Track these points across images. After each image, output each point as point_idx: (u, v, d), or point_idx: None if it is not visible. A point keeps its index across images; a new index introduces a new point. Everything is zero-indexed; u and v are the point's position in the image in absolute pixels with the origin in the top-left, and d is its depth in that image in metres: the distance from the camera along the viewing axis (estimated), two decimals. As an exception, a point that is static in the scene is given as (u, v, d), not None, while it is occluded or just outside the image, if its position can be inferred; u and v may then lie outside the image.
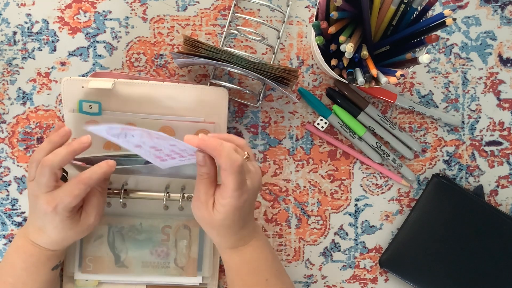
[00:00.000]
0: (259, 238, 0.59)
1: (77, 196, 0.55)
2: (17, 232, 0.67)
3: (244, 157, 0.55)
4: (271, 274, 0.59)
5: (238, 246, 0.58)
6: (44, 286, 0.60)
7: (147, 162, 0.58)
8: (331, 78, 0.70)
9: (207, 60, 0.60)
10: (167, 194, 0.66)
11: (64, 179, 0.61)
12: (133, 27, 0.69)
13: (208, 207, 0.54)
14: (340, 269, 0.70)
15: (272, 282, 0.59)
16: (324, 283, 0.70)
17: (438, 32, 0.62)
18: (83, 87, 0.63)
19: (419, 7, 0.60)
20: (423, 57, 0.55)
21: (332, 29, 0.57)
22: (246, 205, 0.55)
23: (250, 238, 0.58)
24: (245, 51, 0.70)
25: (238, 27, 0.68)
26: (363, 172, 0.70)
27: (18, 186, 0.68)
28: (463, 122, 0.71)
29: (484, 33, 0.71)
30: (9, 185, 0.68)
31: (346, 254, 0.70)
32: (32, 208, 0.58)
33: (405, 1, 0.60)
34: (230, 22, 0.70)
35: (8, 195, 0.68)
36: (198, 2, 0.70)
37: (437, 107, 0.71)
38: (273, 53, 0.69)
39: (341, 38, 0.57)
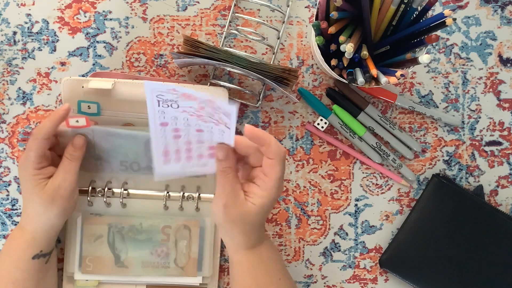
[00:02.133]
0: (269, 238, 0.60)
1: (33, 148, 0.57)
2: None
3: None
4: (283, 273, 0.60)
5: (255, 246, 0.58)
6: (27, 277, 0.59)
7: (147, 143, 0.59)
8: (331, 78, 0.70)
9: (207, 60, 0.60)
10: (167, 194, 0.66)
11: None
12: (133, 27, 0.69)
13: (239, 201, 0.54)
14: (340, 269, 0.70)
15: (284, 282, 0.59)
16: (324, 283, 0.70)
17: (438, 32, 0.62)
18: (83, 87, 0.63)
19: (419, 7, 0.60)
20: (423, 57, 0.55)
21: (332, 29, 0.57)
22: (276, 201, 0.56)
23: (264, 238, 0.59)
24: (245, 51, 0.70)
25: (238, 27, 0.68)
26: (363, 172, 0.70)
27: (18, 186, 0.68)
28: (463, 122, 0.71)
29: (484, 33, 0.71)
30: (9, 185, 0.68)
31: (346, 254, 0.70)
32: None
33: (405, 1, 0.60)
34: (230, 22, 0.70)
35: (8, 195, 0.68)
36: (198, 2, 0.70)
37: (437, 107, 0.71)
38: (273, 53, 0.69)
39: (341, 38, 0.57)
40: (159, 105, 0.52)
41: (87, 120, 0.60)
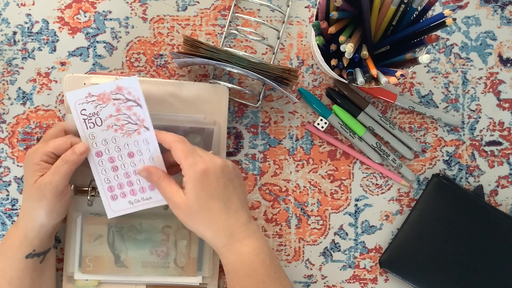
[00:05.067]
0: (256, 239, 0.59)
1: (61, 172, 0.58)
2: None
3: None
4: (268, 277, 0.59)
5: (231, 244, 0.58)
6: (21, 275, 0.60)
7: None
8: (331, 78, 0.70)
9: (207, 60, 0.60)
10: (167, 194, 0.66)
11: None
12: (133, 27, 0.69)
13: (180, 197, 0.57)
14: (340, 269, 0.70)
15: (270, 285, 0.58)
16: (324, 283, 0.70)
17: (438, 32, 0.62)
18: (84, 84, 0.63)
19: (419, 7, 0.60)
20: (423, 57, 0.55)
21: (332, 29, 0.57)
22: (212, 180, 0.57)
23: (244, 236, 0.58)
24: (245, 51, 0.70)
25: (238, 27, 0.68)
26: (363, 172, 0.70)
27: (18, 186, 0.68)
28: (463, 122, 0.71)
29: (484, 33, 0.71)
30: (9, 185, 0.68)
31: (346, 254, 0.70)
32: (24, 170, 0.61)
33: (405, 1, 0.60)
34: (230, 22, 0.70)
35: (8, 195, 0.68)
36: (198, 2, 0.70)
37: (437, 107, 0.71)
38: (273, 53, 0.69)
39: (341, 38, 0.57)
40: (87, 127, 0.60)
41: None
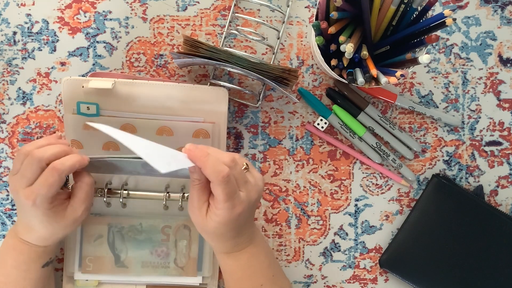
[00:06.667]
0: (256, 244, 0.59)
1: (52, 185, 0.53)
2: (8, 231, 0.66)
3: (243, 168, 0.55)
4: (266, 279, 0.59)
5: (232, 252, 0.58)
6: (36, 284, 0.59)
7: (145, 164, 0.58)
8: (331, 78, 0.70)
9: (207, 60, 0.60)
10: (167, 194, 0.66)
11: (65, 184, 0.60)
12: (133, 27, 0.69)
13: (201, 213, 0.54)
14: (340, 269, 0.70)
15: (267, 287, 0.59)
16: (324, 283, 0.70)
17: (438, 32, 0.62)
18: (83, 86, 0.63)
19: (419, 7, 0.60)
20: (423, 57, 0.55)
21: (332, 29, 0.57)
22: (241, 218, 0.54)
23: (246, 245, 0.58)
24: (245, 51, 0.70)
25: (238, 27, 0.68)
26: (363, 172, 0.70)
27: (18, 186, 0.68)
28: (463, 122, 0.71)
29: (484, 33, 0.71)
30: (9, 185, 0.68)
31: (346, 254, 0.70)
32: (17, 204, 0.57)
33: (405, 1, 0.60)
34: (230, 22, 0.70)
35: (8, 195, 0.68)
36: (198, 2, 0.70)
37: (437, 107, 0.71)
38: (273, 53, 0.69)
39: (341, 38, 0.57)
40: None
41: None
